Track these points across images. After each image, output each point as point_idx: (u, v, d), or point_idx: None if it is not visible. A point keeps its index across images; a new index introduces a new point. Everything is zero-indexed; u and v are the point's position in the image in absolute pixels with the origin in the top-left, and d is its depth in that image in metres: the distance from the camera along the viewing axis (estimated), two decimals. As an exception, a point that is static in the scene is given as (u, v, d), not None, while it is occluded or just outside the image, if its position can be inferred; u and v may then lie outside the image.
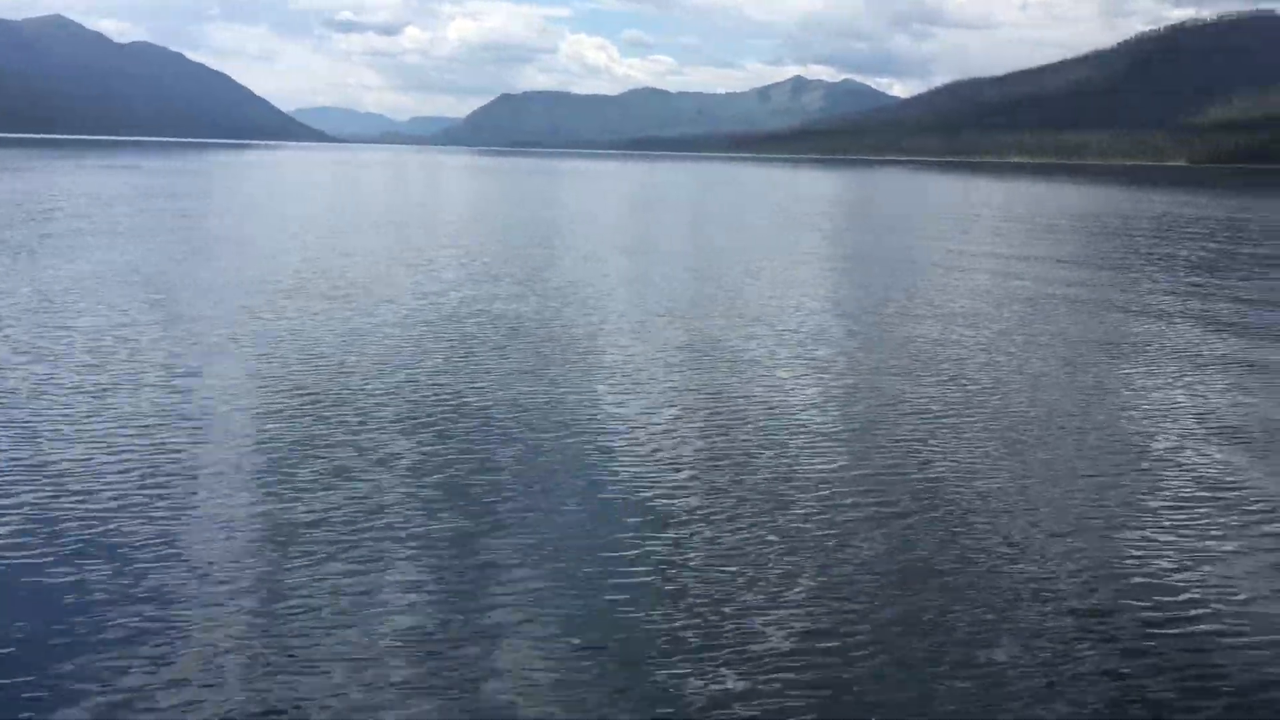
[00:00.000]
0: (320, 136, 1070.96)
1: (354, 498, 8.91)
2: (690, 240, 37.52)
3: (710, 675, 6.13)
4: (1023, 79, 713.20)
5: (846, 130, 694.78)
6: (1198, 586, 7.48)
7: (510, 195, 70.86)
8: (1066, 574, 7.66)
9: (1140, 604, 7.21)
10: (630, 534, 8.28)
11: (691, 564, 7.66)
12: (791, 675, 6.15)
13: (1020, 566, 7.74)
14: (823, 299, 21.84)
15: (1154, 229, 46.95)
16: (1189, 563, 7.91)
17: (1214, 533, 8.61)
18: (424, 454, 10.20)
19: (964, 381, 13.99)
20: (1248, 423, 12.19)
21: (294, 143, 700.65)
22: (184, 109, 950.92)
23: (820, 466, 10.08)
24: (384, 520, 8.44)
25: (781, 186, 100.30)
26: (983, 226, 47.24)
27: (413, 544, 7.93)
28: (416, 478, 9.49)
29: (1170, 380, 14.46)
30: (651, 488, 9.40)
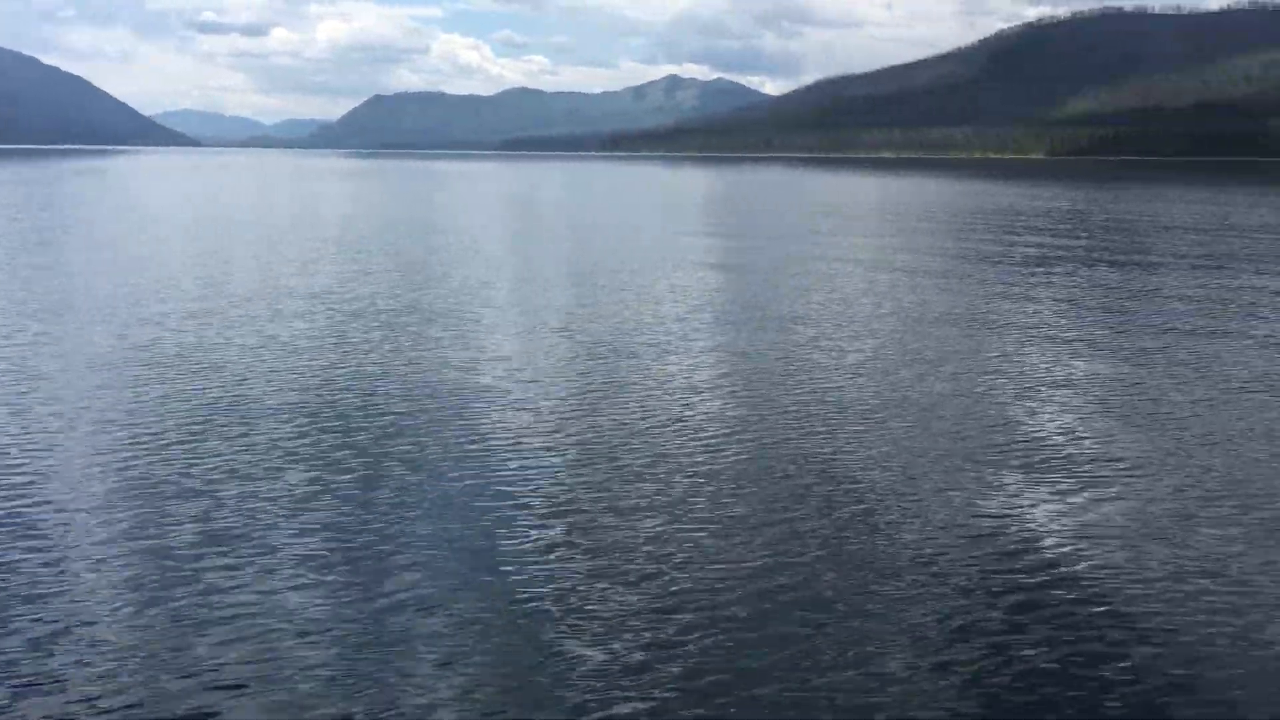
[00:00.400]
0: (185, 141, 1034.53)
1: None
2: (551, 246, 36.08)
3: (607, 669, 6.28)
4: (889, 76, 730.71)
5: (721, 128, 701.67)
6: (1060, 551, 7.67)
7: (360, 199, 68.31)
8: (942, 562, 7.94)
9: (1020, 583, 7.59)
10: (516, 540, 8.29)
11: (580, 566, 7.76)
12: (682, 661, 6.35)
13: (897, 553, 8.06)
14: (686, 301, 20.64)
15: (999, 223, 47.32)
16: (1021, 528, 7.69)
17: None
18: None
19: (781, 384, 12.95)
20: (1033, 431, 11.37)
21: (157, 147, 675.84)
22: (38, 115, 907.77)
23: (703, 461, 10.31)
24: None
25: (657, 185, 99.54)
26: (849, 223, 46.98)
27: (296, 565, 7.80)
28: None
29: (963, 386, 13.65)
30: (535, 496, 9.37)
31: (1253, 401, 12.95)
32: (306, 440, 10.93)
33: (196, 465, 10.04)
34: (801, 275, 26.05)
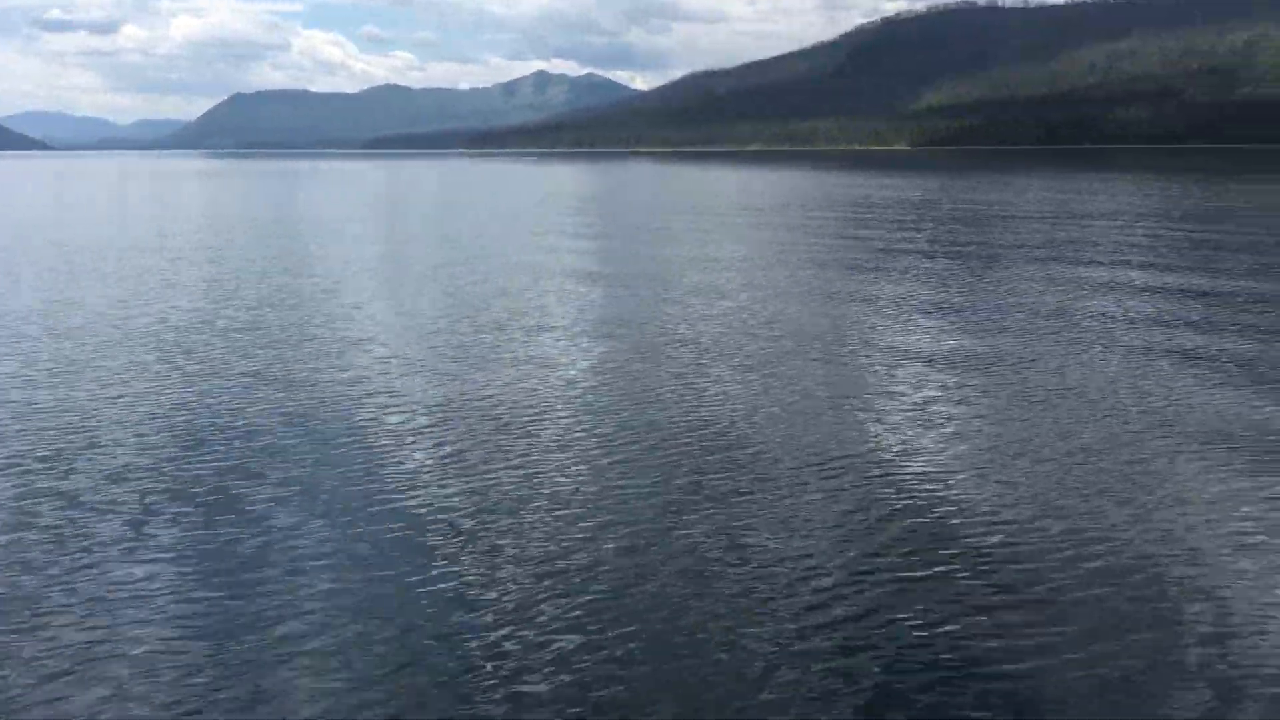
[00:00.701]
0: (33, 144, 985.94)
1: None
2: (395, 252, 34.47)
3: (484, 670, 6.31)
4: (755, 70, 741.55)
5: (591, 123, 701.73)
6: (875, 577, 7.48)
7: (202, 203, 65.17)
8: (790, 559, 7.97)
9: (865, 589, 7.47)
10: (394, 546, 8.23)
11: (451, 566, 7.75)
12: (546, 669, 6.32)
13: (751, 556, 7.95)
14: (511, 309, 19.49)
15: (852, 215, 47.53)
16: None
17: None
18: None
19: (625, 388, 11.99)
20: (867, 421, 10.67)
21: (2, 151, 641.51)
22: None
23: (572, 462, 10.27)
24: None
25: (523, 184, 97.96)
26: (703, 218, 46.47)
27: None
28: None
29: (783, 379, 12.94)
30: (405, 499, 9.35)
31: (1074, 399, 12.53)
32: (95, 473, 9.64)
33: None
34: (643, 280, 25.24)
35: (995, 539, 8.24)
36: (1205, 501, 9.05)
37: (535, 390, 13.21)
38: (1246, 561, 7.78)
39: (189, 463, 10.28)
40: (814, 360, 14.91)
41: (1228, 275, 24.03)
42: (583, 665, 6.32)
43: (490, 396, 12.87)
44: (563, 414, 12.06)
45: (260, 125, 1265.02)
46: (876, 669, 6.29)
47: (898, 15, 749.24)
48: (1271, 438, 10.88)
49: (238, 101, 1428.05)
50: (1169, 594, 7.25)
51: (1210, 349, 15.48)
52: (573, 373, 14.24)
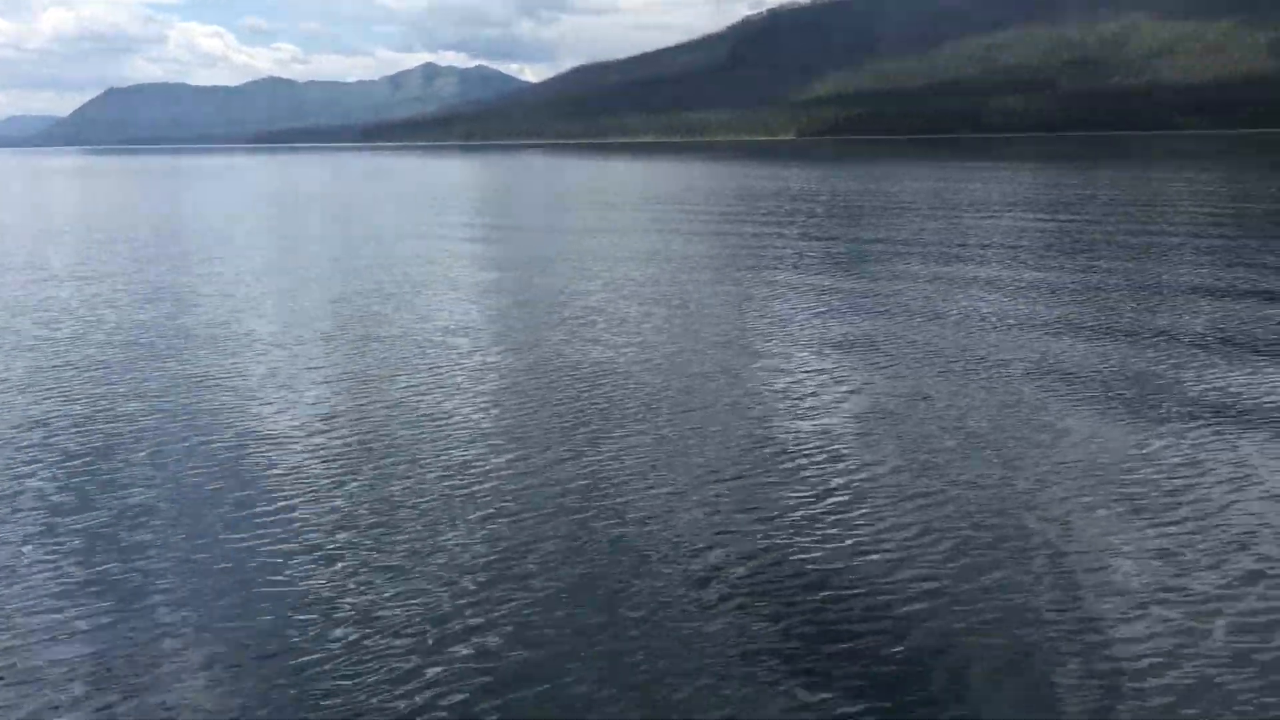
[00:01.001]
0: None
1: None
2: (271, 258, 32.86)
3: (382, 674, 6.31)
4: (645, 62, 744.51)
5: (482, 116, 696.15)
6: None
7: (63, 206, 61.92)
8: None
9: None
10: (288, 550, 8.20)
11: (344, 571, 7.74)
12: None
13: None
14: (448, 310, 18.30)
15: (729, 207, 47.24)
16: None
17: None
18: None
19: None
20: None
21: None
22: None
23: (468, 466, 10.10)
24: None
25: (413, 179, 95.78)
26: (568, 213, 45.68)
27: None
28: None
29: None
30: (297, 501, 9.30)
31: (934, 406, 12.05)
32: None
33: None
34: (504, 286, 24.33)
35: (854, 564, 7.77)
36: (1074, 511, 8.55)
37: (369, 407, 12.24)
38: (1116, 567, 7.45)
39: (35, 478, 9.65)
40: (664, 373, 14.17)
41: (1092, 269, 24.10)
42: (474, 669, 6.33)
43: (334, 415, 11.85)
44: (402, 428, 11.15)
45: (137, 120, 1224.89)
46: (735, 681, 6.18)
47: (782, 7, 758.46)
48: (1134, 449, 10.43)
49: (112, 96, 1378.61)
50: (1040, 621, 6.91)
51: (1073, 348, 15.22)
52: (401, 388, 13.28)
